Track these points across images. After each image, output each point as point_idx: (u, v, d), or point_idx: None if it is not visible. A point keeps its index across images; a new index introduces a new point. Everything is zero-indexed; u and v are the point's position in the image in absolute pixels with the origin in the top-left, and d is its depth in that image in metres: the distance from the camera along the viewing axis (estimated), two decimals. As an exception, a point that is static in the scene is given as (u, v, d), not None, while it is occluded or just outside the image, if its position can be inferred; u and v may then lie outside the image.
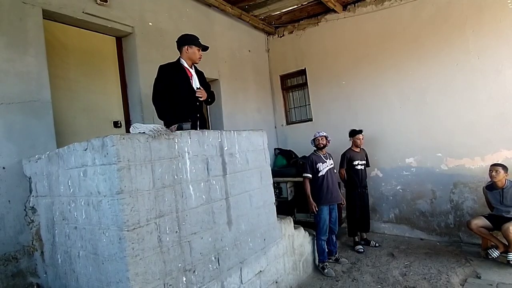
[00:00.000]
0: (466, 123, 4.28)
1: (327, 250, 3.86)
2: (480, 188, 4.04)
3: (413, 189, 4.75)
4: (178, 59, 2.91)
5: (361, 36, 5.04)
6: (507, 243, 3.57)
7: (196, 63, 2.97)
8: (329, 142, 4.10)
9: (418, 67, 4.60)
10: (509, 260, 3.51)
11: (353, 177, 4.48)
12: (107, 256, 1.91)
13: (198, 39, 2.93)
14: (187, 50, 2.86)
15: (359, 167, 4.49)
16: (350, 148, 4.59)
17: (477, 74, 4.18)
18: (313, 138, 4.09)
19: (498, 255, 3.67)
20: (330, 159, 4.07)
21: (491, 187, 3.79)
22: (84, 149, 1.98)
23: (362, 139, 4.53)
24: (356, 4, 5.06)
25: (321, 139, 4.02)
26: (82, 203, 2.06)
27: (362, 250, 4.31)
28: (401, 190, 4.87)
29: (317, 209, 3.81)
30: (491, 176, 3.72)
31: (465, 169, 4.33)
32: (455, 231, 4.44)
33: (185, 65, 2.88)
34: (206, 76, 3.23)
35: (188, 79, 2.87)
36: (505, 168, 3.68)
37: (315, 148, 4.08)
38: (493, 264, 3.61)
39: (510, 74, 3.98)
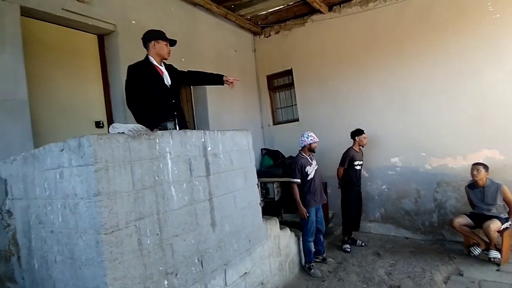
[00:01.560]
0: (448, 123, 4.36)
1: (314, 250, 3.86)
2: (463, 187, 4.12)
3: (398, 188, 4.81)
4: (146, 57, 2.76)
5: (347, 37, 5.09)
6: (488, 241, 3.65)
7: (166, 59, 2.83)
8: None
9: (401, 68, 4.66)
10: (490, 257, 3.59)
11: (352, 177, 4.47)
12: (84, 260, 1.85)
13: (164, 33, 2.80)
14: (154, 45, 2.72)
15: (358, 167, 4.50)
16: (352, 148, 4.52)
17: (458, 75, 4.27)
18: (308, 142, 3.90)
19: (479, 252, 3.75)
20: (314, 160, 4.03)
21: (473, 186, 3.87)
22: (60, 149, 1.91)
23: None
24: (341, 5, 5.11)
25: (315, 144, 3.95)
26: (59, 206, 1.99)
27: (350, 250, 4.33)
28: (386, 190, 4.92)
29: (308, 214, 3.75)
30: (472, 175, 3.80)
31: (448, 168, 4.41)
32: (439, 229, 4.51)
33: (154, 62, 2.74)
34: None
35: (159, 76, 2.75)
36: (486, 167, 3.76)
37: (300, 149, 3.99)
38: (475, 262, 3.69)
39: (489, 75, 4.08)
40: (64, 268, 2.02)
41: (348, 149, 4.52)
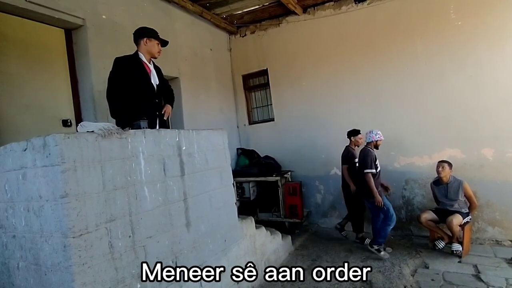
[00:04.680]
0: (415, 124, 4.58)
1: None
2: (428, 184, 4.34)
3: (369, 186, 4.98)
4: (136, 53, 2.75)
5: (321, 38, 5.19)
6: (451, 235, 3.87)
7: (155, 58, 2.85)
8: None
9: (373, 70, 4.83)
10: (453, 250, 3.81)
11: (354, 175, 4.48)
12: (50, 266, 1.76)
13: (158, 32, 2.82)
14: (146, 42, 2.72)
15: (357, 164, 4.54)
16: (349, 146, 4.56)
17: (425, 79, 4.50)
18: (376, 138, 4.07)
19: (443, 245, 3.97)
20: None
21: (438, 182, 4.08)
22: (23, 149, 1.81)
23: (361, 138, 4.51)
24: (315, 7, 5.21)
25: (381, 142, 4.14)
26: (22, 209, 1.88)
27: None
28: (358, 188, 5.07)
29: (383, 202, 3.89)
30: (438, 172, 4.00)
31: (415, 166, 4.63)
32: (407, 225, 4.72)
33: (143, 59, 2.75)
34: (165, 74, 3.13)
35: (146, 74, 2.75)
36: (450, 164, 3.98)
37: (367, 144, 4.14)
38: (439, 254, 3.90)
39: (453, 79, 4.33)
40: (27, 275, 1.91)
41: (348, 148, 4.55)
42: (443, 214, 3.93)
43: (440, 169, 3.98)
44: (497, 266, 3.48)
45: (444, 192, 4.00)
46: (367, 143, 4.16)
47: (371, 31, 4.81)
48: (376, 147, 4.13)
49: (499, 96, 4.09)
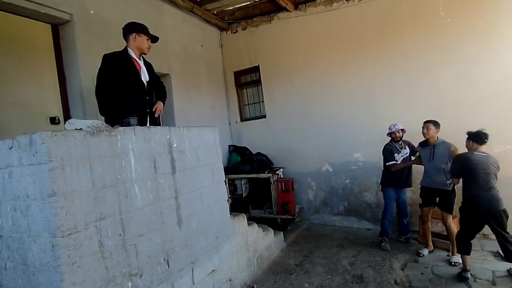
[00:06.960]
0: (404, 121, 4.57)
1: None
2: (417, 180, 4.36)
3: (360, 182, 5.03)
4: (125, 49, 2.72)
5: (312, 35, 5.19)
6: (432, 246, 3.89)
7: (145, 54, 2.82)
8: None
9: (364, 67, 4.85)
10: (451, 262, 3.54)
11: None
12: (38, 266, 1.73)
13: (147, 28, 2.79)
14: (135, 38, 2.69)
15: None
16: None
17: (414, 76, 4.54)
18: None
19: (427, 253, 3.83)
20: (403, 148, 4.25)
21: (424, 144, 3.88)
22: (9, 147, 1.76)
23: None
24: (307, 4, 5.20)
25: (395, 134, 4.22)
26: (8, 208, 1.84)
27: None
28: (349, 184, 5.12)
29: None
30: (423, 134, 3.78)
31: (405, 162, 4.67)
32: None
33: (133, 55, 2.71)
34: (156, 71, 3.09)
35: (136, 71, 2.71)
36: (436, 124, 3.71)
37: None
38: (428, 249, 3.96)
39: (442, 76, 4.38)
40: (15, 275, 1.87)
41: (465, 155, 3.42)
42: (431, 194, 3.74)
43: (425, 130, 3.71)
44: (484, 259, 3.56)
45: (430, 155, 3.72)
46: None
47: (362, 28, 4.83)
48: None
49: (486, 93, 4.15)
